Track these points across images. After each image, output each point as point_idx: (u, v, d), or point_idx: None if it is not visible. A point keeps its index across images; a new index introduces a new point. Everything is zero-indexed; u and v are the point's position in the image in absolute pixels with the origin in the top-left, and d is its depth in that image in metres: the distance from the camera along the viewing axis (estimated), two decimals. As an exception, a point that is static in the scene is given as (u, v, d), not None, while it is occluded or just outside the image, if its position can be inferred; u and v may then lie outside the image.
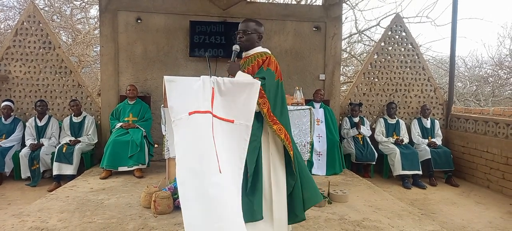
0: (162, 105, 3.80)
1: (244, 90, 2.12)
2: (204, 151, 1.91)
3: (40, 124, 5.28)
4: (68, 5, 10.17)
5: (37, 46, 5.73)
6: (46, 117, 5.34)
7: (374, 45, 7.00)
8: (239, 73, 2.39)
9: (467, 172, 5.71)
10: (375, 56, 6.40)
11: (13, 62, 5.69)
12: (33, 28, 5.71)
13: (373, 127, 6.11)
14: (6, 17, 10.16)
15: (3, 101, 5.35)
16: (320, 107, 5.65)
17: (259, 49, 2.52)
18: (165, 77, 2.07)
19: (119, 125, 5.23)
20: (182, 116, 1.99)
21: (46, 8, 9.85)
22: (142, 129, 5.20)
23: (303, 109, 3.81)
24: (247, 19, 2.56)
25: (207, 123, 1.99)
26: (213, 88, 2.07)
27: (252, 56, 2.51)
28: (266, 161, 2.32)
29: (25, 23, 5.70)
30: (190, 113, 1.99)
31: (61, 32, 10.05)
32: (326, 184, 4.19)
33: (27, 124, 5.29)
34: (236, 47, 2.47)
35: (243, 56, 2.56)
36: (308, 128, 3.82)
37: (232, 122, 2.09)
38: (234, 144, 2.07)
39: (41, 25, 5.73)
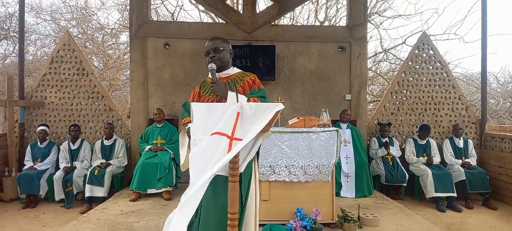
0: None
1: (264, 113, 2.12)
2: (206, 166, 1.99)
3: (73, 147, 5.47)
4: (100, 32, 10.66)
5: (71, 73, 6.00)
6: (79, 140, 5.54)
7: (401, 64, 6.89)
8: (230, 94, 2.33)
9: (505, 193, 5.42)
10: (403, 75, 6.29)
11: (49, 88, 5.98)
12: (68, 55, 6.00)
13: (402, 147, 5.95)
14: (42, 45, 10.78)
15: (39, 126, 5.59)
16: (347, 128, 5.57)
17: (236, 69, 2.53)
18: (192, 103, 2.16)
19: (148, 147, 5.35)
20: (204, 137, 2.06)
21: (80, 35, 10.38)
22: (170, 151, 5.29)
23: (330, 131, 3.76)
24: (214, 38, 2.52)
25: (224, 144, 2.03)
26: (238, 112, 2.10)
27: (236, 76, 2.50)
28: None
29: (60, 51, 6.01)
30: (212, 135, 2.06)
31: (93, 57, 10.53)
32: (356, 206, 4.09)
33: (61, 147, 5.50)
34: (213, 66, 2.41)
35: (217, 76, 2.47)
36: (335, 149, 3.77)
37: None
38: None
39: (75, 52, 6.02)
